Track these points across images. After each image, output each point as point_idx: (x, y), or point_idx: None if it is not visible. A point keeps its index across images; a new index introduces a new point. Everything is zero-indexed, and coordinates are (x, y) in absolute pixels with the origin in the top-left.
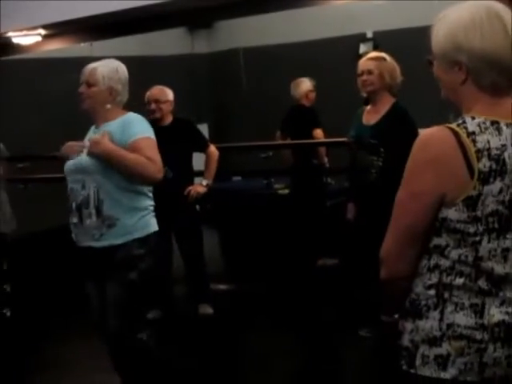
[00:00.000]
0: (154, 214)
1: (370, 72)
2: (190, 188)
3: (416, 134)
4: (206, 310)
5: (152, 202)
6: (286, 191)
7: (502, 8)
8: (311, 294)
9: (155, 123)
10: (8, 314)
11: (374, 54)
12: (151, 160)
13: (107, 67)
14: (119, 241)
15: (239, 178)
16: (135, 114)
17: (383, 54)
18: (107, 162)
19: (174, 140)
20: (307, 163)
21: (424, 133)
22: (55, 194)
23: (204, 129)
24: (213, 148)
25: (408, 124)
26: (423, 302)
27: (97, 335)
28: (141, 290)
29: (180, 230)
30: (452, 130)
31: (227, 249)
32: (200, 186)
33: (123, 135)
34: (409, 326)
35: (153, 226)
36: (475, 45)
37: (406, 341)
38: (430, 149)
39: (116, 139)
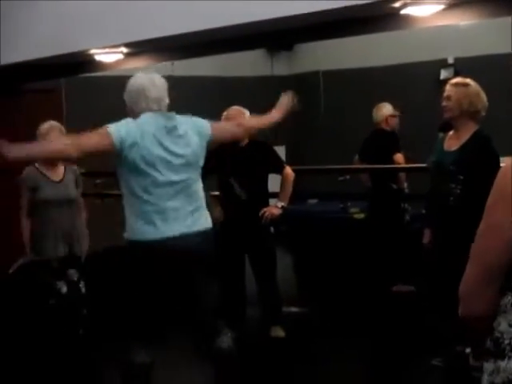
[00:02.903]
0: (148, 220)
1: (448, 98)
2: (265, 210)
3: (497, 163)
4: (278, 332)
5: (149, 208)
6: (362, 216)
7: None
8: (385, 320)
9: (231, 143)
10: (81, 331)
11: (457, 79)
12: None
13: None
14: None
15: (315, 200)
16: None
17: (467, 80)
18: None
19: (250, 161)
20: (386, 187)
21: (506, 162)
22: None
23: (282, 151)
24: (289, 170)
25: (489, 153)
26: (506, 341)
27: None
28: (134, 298)
29: (254, 251)
30: None
31: (301, 271)
32: (275, 207)
33: None
34: (490, 366)
35: (136, 234)
36: None
37: (485, 381)
38: (509, 179)
39: None
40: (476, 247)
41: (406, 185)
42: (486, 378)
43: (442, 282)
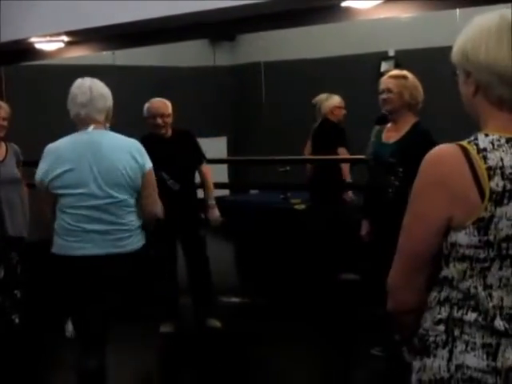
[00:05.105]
0: (60, 235)
1: (389, 90)
2: (208, 216)
3: None
4: (214, 322)
5: (61, 222)
6: (303, 206)
7: None
8: (326, 310)
9: (156, 135)
10: (17, 320)
11: (395, 72)
12: None
13: None
14: None
15: (256, 191)
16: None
17: (405, 73)
18: None
19: (177, 152)
20: (327, 178)
21: (431, 151)
22: None
23: (223, 141)
24: (206, 168)
25: (428, 145)
26: (431, 339)
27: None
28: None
29: (186, 240)
30: (461, 146)
31: (242, 262)
32: (212, 210)
33: None
34: (417, 364)
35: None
36: (480, 57)
37: (413, 381)
38: (436, 168)
39: None
40: (402, 239)
41: (350, 177)
42: (413, 376)
43: (381, 272)
